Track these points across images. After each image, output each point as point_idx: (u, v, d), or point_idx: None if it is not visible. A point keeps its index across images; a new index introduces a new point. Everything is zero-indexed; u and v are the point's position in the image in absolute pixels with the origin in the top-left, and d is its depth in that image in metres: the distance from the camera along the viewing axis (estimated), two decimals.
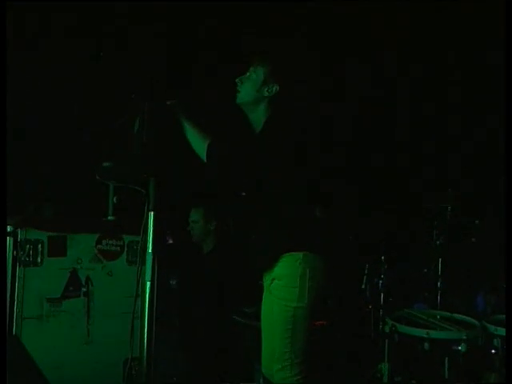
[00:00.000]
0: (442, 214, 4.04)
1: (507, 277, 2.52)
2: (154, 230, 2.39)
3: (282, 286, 2.51)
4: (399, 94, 4.63)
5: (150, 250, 2.37)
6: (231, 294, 3.90)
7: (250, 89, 2.61)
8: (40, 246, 3.17)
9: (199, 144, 2.72)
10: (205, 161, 2.72)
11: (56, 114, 3.96)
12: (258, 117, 2.63)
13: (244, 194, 2.75)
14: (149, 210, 2.39)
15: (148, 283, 2.36)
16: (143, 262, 2.41)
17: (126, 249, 3.44)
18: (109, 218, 3.53)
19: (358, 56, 4.26)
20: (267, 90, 2.60)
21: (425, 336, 3.14)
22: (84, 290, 3.30)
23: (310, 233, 2.55)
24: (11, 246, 3.12)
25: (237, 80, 2.65)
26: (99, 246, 3.38)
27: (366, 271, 3.97)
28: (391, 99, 4.63)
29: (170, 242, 4.78)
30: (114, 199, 3.42)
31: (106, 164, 2.53)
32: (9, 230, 3.12)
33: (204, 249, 4.28)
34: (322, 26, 4.14)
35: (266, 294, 2.60)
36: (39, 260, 3.16)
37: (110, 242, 3.42)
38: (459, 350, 3.09)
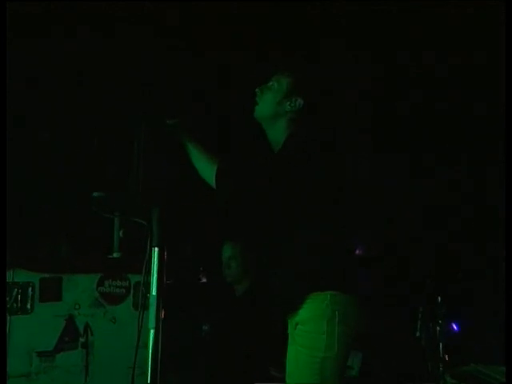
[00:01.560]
0: None
1: (507, 279, 2.18)
2: (158, 270, 2.11)
3: (307, 332, 2.16)
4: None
5: (154, 293, 2.09)
6: (269, 343, 3.38)
7: (271, 100, 2.33)
8: (30, 289, 2.87)
9: (206, 168, 2.38)
10: (214, 187, 2.37)
11: (52, 139, 3.74)
12: (277, 135, 2.33)
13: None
14: (152, 246, 2.11)
15: (152, 331, 2.06)
16: (146, 307, 2.13)
17: (132, 291, 3.12)
18: (114, 254, 3.20)
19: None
20: (289, 104, 2.31)
21: None
22: (82, 340, 2.97)
23: (340, 268, 2.21)
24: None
25: (257, 90, 2.37)
26: (101, 289, 3.07)
27: (419, 315, 3.41)
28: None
29: (204, 280, 4.28)
30: (120, 233, 3.17)
31: (96, 194, 2.19)
32: None
33: (238, 290, 3.73)
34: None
35: (290, 341, 2.27)
36: (29, 306, 2.86)
37: (114, 283, 3.11)
38: None
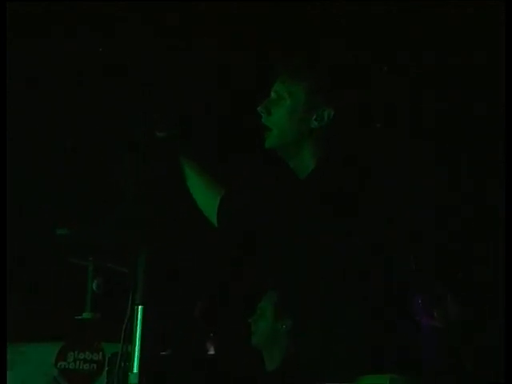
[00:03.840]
0: None
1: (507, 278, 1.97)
2: (142, 336, 1.57)
3: None
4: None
5: (135, 370, 1.55)
6: None
7: (287, 121, 1.69)
8: None
9: (207, 199, 1.88)
10: (216, 225, 1.86)
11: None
12: (303, 163, 1.72)
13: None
14: (135, 304, 1.61)
15: None
16: None
17: (107, 367, 2.38)
18: (83, 315, 2.42)
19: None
20: (315, 119, 1.69)
21: None
22: None
23: (401, 341, 1.62)
24: None
25: (259, 109, 1.70)
26: (62, 364, 2.33)
27: None
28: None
29: (212, 352, 3.39)
30: (94, 285, 2.34)
31: (60, 231, 1.79)
32: None
33: (267, 363, 2.85)
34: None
35: None
36: None
37: (82, 355, 2.34)
38: None
